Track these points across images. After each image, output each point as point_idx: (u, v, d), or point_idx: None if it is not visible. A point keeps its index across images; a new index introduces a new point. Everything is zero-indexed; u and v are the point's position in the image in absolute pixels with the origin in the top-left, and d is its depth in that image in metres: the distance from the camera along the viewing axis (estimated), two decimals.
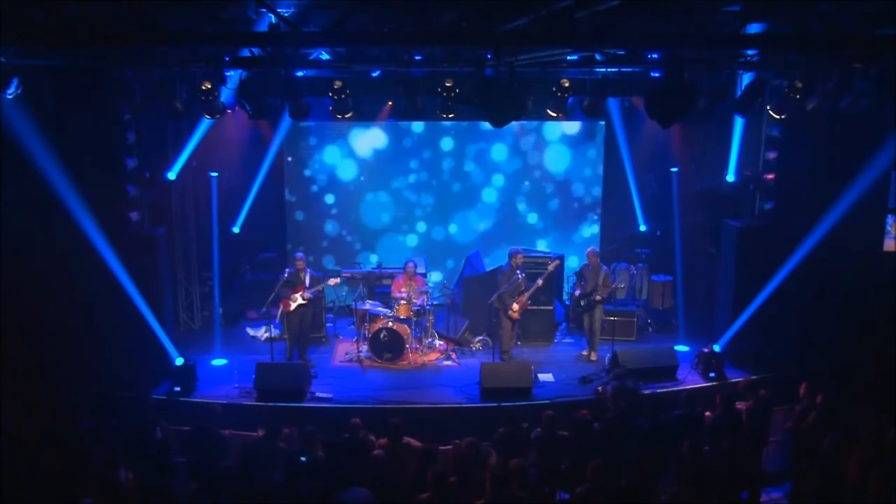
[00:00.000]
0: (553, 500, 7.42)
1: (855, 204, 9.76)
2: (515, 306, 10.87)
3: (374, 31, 7.61)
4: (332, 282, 11.28)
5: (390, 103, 12.07)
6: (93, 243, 9.43)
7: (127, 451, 7.38)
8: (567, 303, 12.86)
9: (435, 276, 13.18)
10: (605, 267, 11.33)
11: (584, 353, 11.41)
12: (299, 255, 11.21)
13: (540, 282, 11.00)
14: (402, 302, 11.08)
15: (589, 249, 11.41)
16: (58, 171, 9.01)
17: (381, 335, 10.86)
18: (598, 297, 11.03)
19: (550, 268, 11.17)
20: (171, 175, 11.23)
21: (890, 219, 10.73)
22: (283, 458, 7.26)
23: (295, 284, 10.76)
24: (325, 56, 8.99)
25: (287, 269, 10.90)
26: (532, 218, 13.97)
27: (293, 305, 10.74)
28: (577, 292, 11.28)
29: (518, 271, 10.89)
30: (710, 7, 7.53)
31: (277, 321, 11.31)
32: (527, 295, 10.95)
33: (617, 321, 11.47)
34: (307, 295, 10.76)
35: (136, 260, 9.86)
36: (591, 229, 14.05)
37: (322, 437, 7.63)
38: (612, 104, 12.61)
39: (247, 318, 12.74)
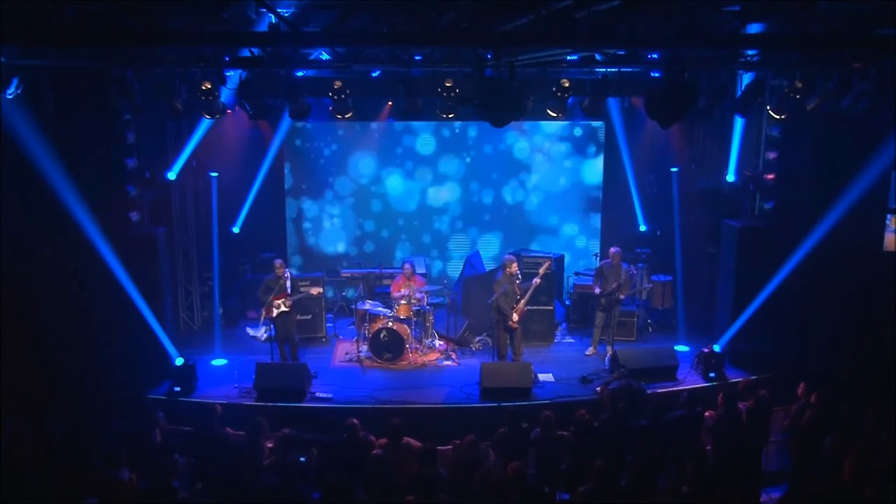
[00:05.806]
0: (553, 501, 7.41)
1: (855, 204, 9.75)
2: (515, 316, 10.42)
3: (374, 31, 7.60)
4: (314, 291, 11.09)
5: (390, 103, 12.07)
6: (93, 243, 9.41)
7: (128, 451, 7.38)
8: (567, 303, 12.87)
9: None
10: (625, 265, 11.28)
11: (589, 351, 11.43)
12: (278, 260, 10.75)
13: (537, 280, 10.52)
14: (402, 302, 11.07)
15: (612, 249, 11.32)
16: (58, 170, 8.99)
17: (381, 335, 10.85)
18: (622, 296, 11.07)
19: (542, 271, 10.71)
20: (171, 175, 11.22)
21: (889, 218, 10.73)
22: (278, 460, 7.26)
23: (276, 290, 10.48)
24: (325, 56, 9.00)
25: (267, 276, 10.71)
26: (532, 204, 14.00)
27: (276, 312, 10.51)
28: (598, 290, 11.24)
29: (515, 277, 10.46)
30: (711, 7, 7.53)
31: (262, 323, 11.22)
32: (524, 301, 10.50)
33: (617, 321, 11.44)
34: (289, 302, 10.57)
35: (136, 260, 9.84)
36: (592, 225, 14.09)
37: (308, 439, 7.62)
38: (612, 104, 12.62)
39: (247, 318, 12.73)
